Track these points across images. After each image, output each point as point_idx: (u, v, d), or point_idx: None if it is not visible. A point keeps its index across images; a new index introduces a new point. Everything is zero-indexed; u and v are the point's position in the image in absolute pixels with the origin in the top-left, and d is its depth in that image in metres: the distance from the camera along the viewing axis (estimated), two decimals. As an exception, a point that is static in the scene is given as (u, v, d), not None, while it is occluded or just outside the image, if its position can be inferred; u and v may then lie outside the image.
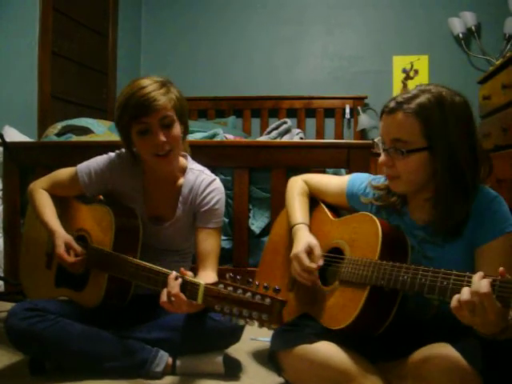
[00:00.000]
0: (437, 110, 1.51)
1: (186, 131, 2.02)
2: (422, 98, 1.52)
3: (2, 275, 2.93)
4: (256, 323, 1.48)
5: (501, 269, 1.25)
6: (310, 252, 1.72)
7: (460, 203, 1.53)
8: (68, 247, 1.92)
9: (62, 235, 1.94)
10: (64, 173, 2.10)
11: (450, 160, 1.51)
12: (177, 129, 1.92)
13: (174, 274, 1.69)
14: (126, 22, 5.06)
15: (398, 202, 1.68)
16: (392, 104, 1.56)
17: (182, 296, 1.63)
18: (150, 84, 1.87)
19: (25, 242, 2.27)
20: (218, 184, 2.07)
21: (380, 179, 1.73)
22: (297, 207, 1.90)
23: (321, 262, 1.70)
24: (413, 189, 1.61)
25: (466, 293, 1.26)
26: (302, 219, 1.86)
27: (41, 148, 3.05)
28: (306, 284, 1.73)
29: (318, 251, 1.72)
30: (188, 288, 1.64)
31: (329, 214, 1.88)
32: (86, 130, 3.38)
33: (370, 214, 1.67)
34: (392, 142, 1.56)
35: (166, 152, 1.90)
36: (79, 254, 1.92)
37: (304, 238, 1.77)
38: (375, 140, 1.63)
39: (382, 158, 1.60)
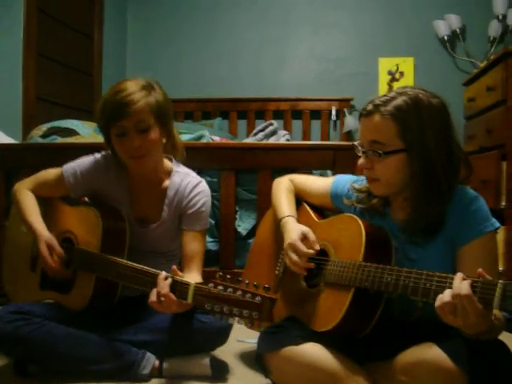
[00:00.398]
0: (413, 112, 1.52)
1: (169, 134, 2.00)
2: (399, 101, 1.53)
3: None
4: (246, 321, 1.48)
5: (479, 270, 1.27)
6: (304, 239, 1.72)
7: (434, 204, 1.54)
8: (50, 248, 1.90)
9: (44, 237, 1.93)
10: (49, 173, 2.08)
11: (425, 161, 1.52)
12: (154, 133, 1.90)
13: (163, 274, 1.69)
14: (112, 23, 5.04)
15: (380, 204, 1.69)
16: (369, 107, 1.58)
17: (172, 296, 1.63)
18: (129, 87, 1.86)
19: (8, 245, 2.24)
20: (203, 186, 2.07)
21: (363, 181, 1.74)
22: (283, 202, 1.91)
23: (317, 247, 1.70)
24: (392, 191, 1.62)
25: (447, 295, 1.28)
26: (289, 212, 1.86)
27: (25, 150, 3.02)
28: (300, 273, 1.72)
29: (312, 237, 1.72)
30: (178, 288, 1.64)
31: (313, 215, 1.88)
32: (71, 132, 3.36)
33: (354, 216, 1.68)
34: (370, 145, 1.57)
35: (140, 155, 1.90)
36: (60, 256, 1.90)
37: (295, 227, 1.76)
38: (355, 143, 1.64)
39: (361, 160, 1.61)
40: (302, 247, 1.69)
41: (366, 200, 1.71)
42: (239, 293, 1.49)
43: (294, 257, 1.70)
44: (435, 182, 1.53)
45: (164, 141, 1.98)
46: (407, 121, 1.52)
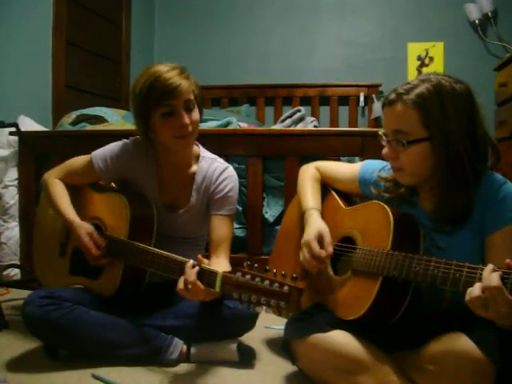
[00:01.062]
0: (436, 99, 1.49)
1: (201, 117, 2.03)
2: (421, 88, 1.51)
3: (19, 263, 2.96)
4: (274, 311, 1.48)
5: (507, 260, 1.25)
6: (320, 239, 1.72)
7: (460, 192, 1.52)
8: (91, 237, 1.93)
9: (82, 225, 1.96)
10: (78, 161, 2.11)
11: (449, 149, 1.50)
12: (197, 113, 1.95)
13: (191, 262, 1.69)
14: (139, 10, 5.05)
15: (408, 194, 1.67)
16: (392, 96, 1.56)
17: (199, 284, 1.64)
18: (169, 70, 1.89)
19: (38, 231, 2.28)
20: (231, 172, 2.08)
21: (390, 170, 1.72)
22: (308, 193, 1.90)
23: (330, 250, 1.70)
24: (418, 180, 1.60)
25: (476, 289, 1.26)
26: (313, 204, 1.86)
27: (55, 137, 3.07)
28: (313, 272, 1.73)
29: (328, 238, 1.72)
30: (205, 276, 1.64)
31: (340, 202, 1.87)
32: (100, 119, 3.39)
33: (382, 203, 1.66)
34: (393, 134, 1.56)
35: (188, 133, 1.91)
36: (101, 244, 1.93)
37: (315, 225, 1.77)
38: (379, 133, 1.63)
39: (385, 150, 1.60)
40: (316, 247, 1.70)
41: (393, 189, 1.70)
42: (267, 282, 1.49)
43: (307, 255, 1.72)
44: (460, 170, 1.50)
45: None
46: (430, 109, 1.49)
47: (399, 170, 1.60)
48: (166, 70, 1.88)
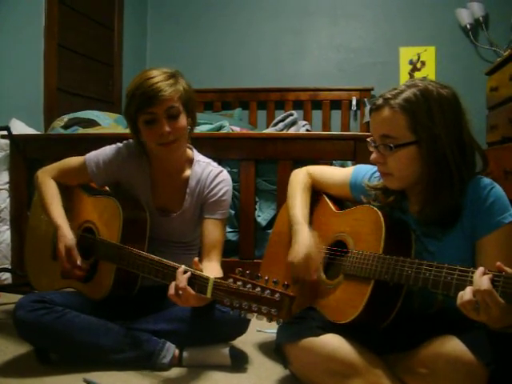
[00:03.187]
0: (422, 103, 1.51)
1: (193, 123, 2.03)
2: (408, 93, 1.52)
3: (10, 267, 2.95)
4: (265, 318, 1.48)
5: (498, 263, 1.26)
6: (307, 263, 1.74)
7: (446, 196, 1.53)
8: (67, 253, 1.92)
9: (66, 238, 1.94)
10: (73, 161, 2.11)
11: (436, 153, 1.51)
12: (182, 120, 1.93)
13: (182, 268, 1.69)
14: (132, 14, 5.05)
15: (397, 201, 1.68)
16: (379, 101, 1.57)
17: (190, 290, 1.64)
18: (158, 75, 1.89)
19: (30, 233, 2.28)
20: (225, 175, 2.09)
21: (377, 177, 1.73)
22: (297, 204, 1.90)
23: (314, 277, 1.74)
24: (406, 184, 1.61)
25: (467, 292, 1.26)
26: (301, 218, 1.86)
27: (47, 140, 3.05)
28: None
29: (315, 264, 1.75)
30: (197, 282, 1.64)
31: (332, 206, 1.88)
32: (92, 123, 3.38)
33: (374, 207, 1.66)
34: (381, 139, 1.57)
35: (169, 141, 1.91)
36: (74, 262, 1.91)
37: (302, 246, 1.77)
38: (368, 139, 1.64)
39: (374, 155, 1.61)
40: (302, 272, 1.75)
41: (382, 198, 1.70)
42: (258, 289, 1.49)
43: (295, 276, 1.76)
44: (447, 174, 1.52)
45: (189, 129, 2.00)
46: (417, 113, 1.51)
47: (388, 175, 1.60)
48: (152, 76, 1.88)
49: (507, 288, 1.22)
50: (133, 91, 1.90)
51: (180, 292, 1.65)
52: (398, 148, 1.53)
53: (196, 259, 1.72)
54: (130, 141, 2.07)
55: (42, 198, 2.06)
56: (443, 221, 1.56)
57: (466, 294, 1.27)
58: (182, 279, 1.65)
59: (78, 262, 1.91)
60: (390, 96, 1.54)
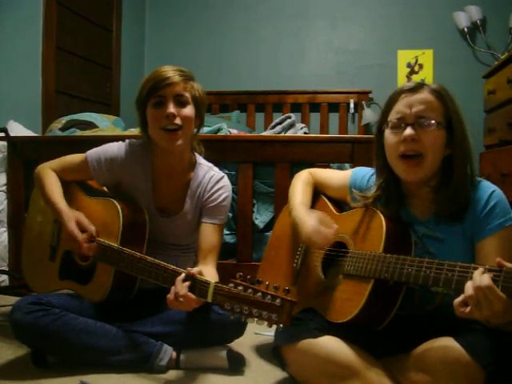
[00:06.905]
0: (447, 95, 1.59)
1: (201, 123, 2.05)
2: (435, 85, 1.60)
3: (7, 269, 2.94)
4: (265, 323, 1.48)
5: (497, 259, 1.26)
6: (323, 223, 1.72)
7: (465, 189, 1.56)
8: (79, 224, 1.92)
9: (70, 213, 1.94)
10: (74, 157, 2.10)
11: (457, 144, 1.56)
12: (190, 110, 1.95)
13: (182, 275, 1.68)
14: (130, 16, 5.05)
15: (396, 209, 1.68)
16: (411, 84, 1.61)
17: (191, 295, 1.63)
18: (171, 69, 1.95)
19: (27, 234, 2.26)
20: (226, 181, 2.09)
21: (370, 186, 1.74)
22: (298, 192, 1.91)
23: (332, 237, 1.70)
24: (430, 174, 1.60)
25: (469, 287, 1.26)
26: (301, 200, 1.86)
27: (45, 142, 3.05)
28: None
29: (330, 224, 1.71)
30: (198, 286, 1.64)
31: (332, 207, 1.88)
32: (90, 125, 3.39)
33: (374, 208, 1.67)
34: (417, 118, 1.57)
35: (174, 127, 1.92)
36: (87, 230, 1.91)
37: (308, 216, 1.75)
38: (394, 120, 1.61)
39: (409, 131, 1.57)
40: (325, 231, 1.69)
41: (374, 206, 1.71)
42: (259, 294, 1.48)
43: (319, 241, 1.70)
44: (462, 167, 1.55)
45: (195, 129, 2.02)
46: (448, 102, 1.58)
47: (417, 160, 1.57)
48: (167, 69, 1.94)
49: (508, 283, 1.23)
50: (145, 81, 1.95)
51: (181, 299, 1.64)
52: (439, 126, 1.56)
53: (194, 271, 1.68)
54: (132, 140, 2.08)
55: (44, 187, 2.04)
56: (453, 217, 1.58)
57: (468, 289, 1.27)
58: (182, 287, 1.64)
59: (92, 228, 1.92)
60: (417, 84, 1.60)
